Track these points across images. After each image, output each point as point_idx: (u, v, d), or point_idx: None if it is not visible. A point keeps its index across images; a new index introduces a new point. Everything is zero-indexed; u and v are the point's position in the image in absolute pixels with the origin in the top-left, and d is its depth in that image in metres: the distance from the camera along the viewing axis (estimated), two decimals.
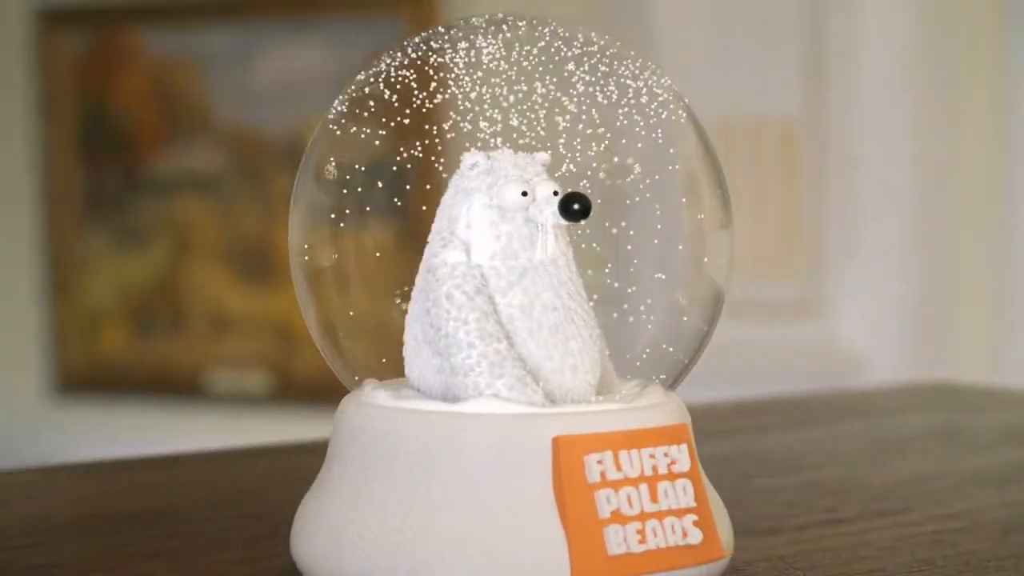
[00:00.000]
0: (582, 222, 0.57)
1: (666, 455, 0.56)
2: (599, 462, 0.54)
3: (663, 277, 0.60)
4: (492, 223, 0.57)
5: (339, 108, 0.60)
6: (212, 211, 2.91)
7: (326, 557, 0.56)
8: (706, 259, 0.60)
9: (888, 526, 0.67)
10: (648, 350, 0.60)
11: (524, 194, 0.57)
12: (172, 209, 2.92)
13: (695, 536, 0.55)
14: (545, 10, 0.63)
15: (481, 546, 0.53)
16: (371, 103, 0.59)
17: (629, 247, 0.60)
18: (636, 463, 0.55)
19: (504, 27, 0.60)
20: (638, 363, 0.60)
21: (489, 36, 0.60)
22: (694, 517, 0.55)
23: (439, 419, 0.55)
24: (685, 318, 0.60)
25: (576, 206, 0.56)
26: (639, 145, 0.60)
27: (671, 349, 0.60)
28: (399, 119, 0.59)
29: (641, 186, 0.60)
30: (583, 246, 0.59)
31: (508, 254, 0.57)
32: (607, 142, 0.59)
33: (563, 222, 0.56)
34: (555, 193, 0.56)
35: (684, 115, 0.60)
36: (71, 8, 2.98)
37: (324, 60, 2.80)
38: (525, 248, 0.57)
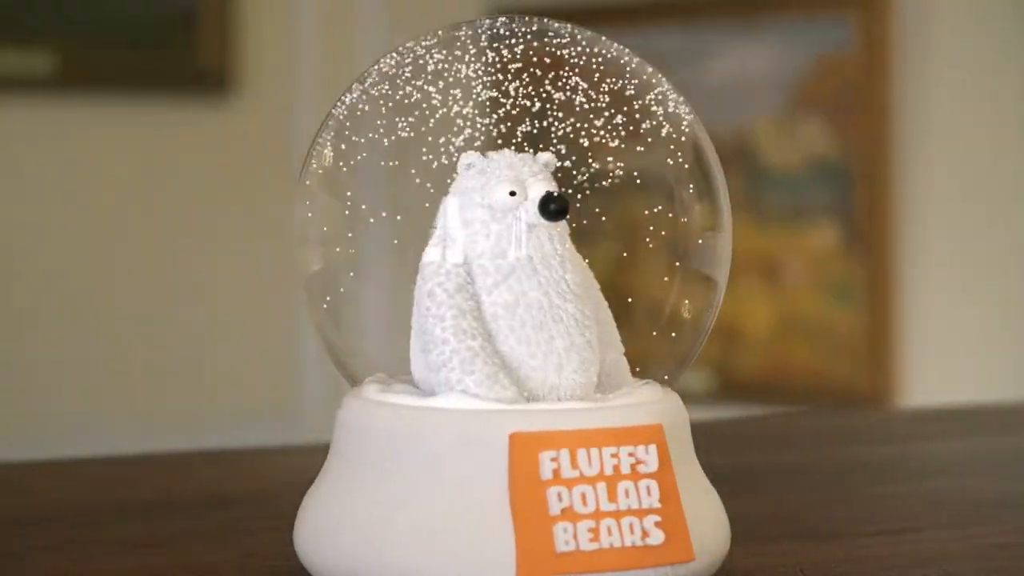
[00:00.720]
0: (559, 221, 0.57)
1: (631, 455, 0.55)
2: (553, 459, 0.54)
3: (660, 277, 0.60)
4: (483, 222, 0.58)
5: (345, 102, 0.61)
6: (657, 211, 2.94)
7: (311, 548, 0.58)
8: (703, 260, 0.59)
9: (946, 539, 0.64)
10: (645, 349, 0.60)
11: (513, 194, 0.57)
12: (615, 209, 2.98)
13: (656, 537, 0.54)
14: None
15: (435, 539, 0.54)
16: (376, 98, 0.61)
17: (627, 247, 0.60)
18: (595, 462, 0.55)
19: (515, 31, 0.61)
20: (634, 362, 0.60)
21: (500, 41, 0.61)
22: (656, 518, 0.55)
23: (406, 413, 0.57)
24: (682, 318, 0.60)
25: (552, 206, 0.57)
26: (639, 149, 0.59)
27: (669, 349, 0.60)
28: (399, 118, 0.60)
29: (639, 188, 0.59)
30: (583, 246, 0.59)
31: (496, 253, 0.58)
32: (606, 145, 0.59)
33: (542, 221, 0.57)
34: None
35: (686, 124, 0.60)
36: (521, 9, 3.08)
37: (771, 61, 2.79)
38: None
